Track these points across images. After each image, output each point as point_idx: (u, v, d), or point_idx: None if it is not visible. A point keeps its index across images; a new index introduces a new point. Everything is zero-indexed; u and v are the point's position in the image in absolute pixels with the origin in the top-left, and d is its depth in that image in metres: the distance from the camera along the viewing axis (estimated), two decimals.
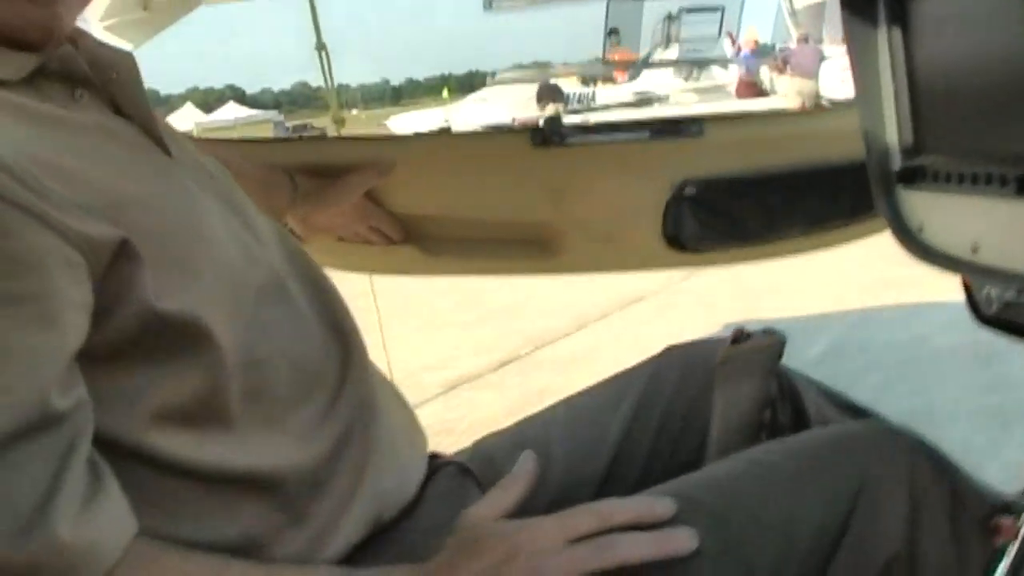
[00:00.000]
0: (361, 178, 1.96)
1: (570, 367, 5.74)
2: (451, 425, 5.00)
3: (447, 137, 2.42)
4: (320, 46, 3.76)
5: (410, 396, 4.96)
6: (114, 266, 0.94)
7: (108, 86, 1.12)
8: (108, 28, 3.60)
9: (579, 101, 24.20)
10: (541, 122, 2.01)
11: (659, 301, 7.11)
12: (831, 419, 1.43)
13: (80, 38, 1.15)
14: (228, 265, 1.09)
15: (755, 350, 1.42)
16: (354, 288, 5.21)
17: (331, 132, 3.73)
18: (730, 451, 1.32)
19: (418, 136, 2.45)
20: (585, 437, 1.48)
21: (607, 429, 1.46)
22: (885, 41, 1.21)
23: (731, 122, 2.09)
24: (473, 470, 1.39)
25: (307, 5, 3.57)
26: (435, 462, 1.40)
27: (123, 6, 3.52)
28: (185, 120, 43.81)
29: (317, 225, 1.98)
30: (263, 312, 1.12)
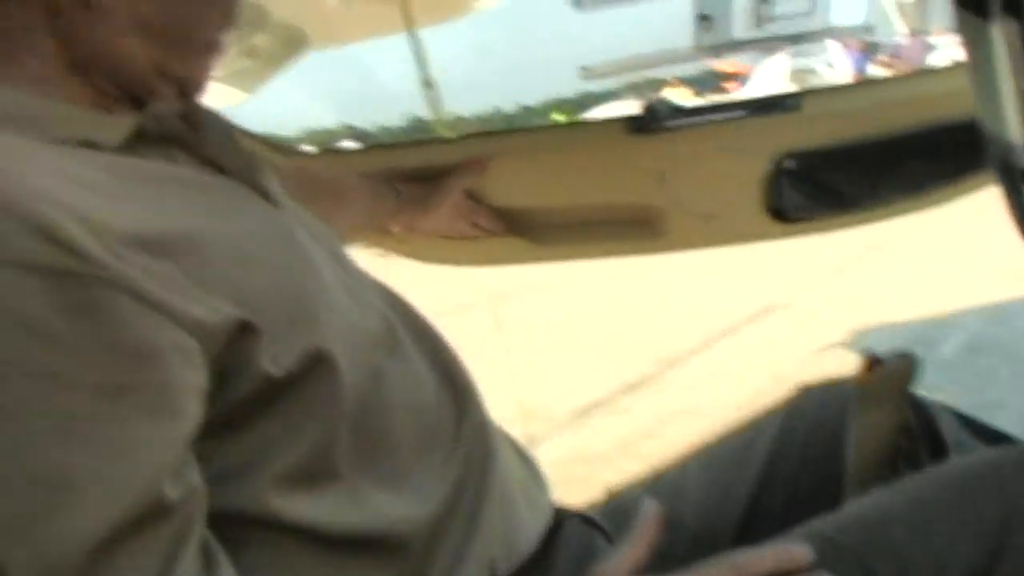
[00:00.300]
0: (459, 178, 1.98)
1: (701, 386, 5.68)
2: (588, 453, 4.97)
3: (544, 130, 2.45)
4: (426, 83, 3.78)
5: (541, 426, 4.99)
6: (230, 345, 0.94)
7: (203, 144, 1.12)
8: (216, 79, 3.68)
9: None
10: (641, 108, 2.00)
11: (788, 312, 7.01)
12: (968, 446, 1.37)
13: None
14: (342, 313, 1.08)
15: (888, 376, 1.37)
16: (478, 320, 5.24)
17: None
18: (868, 484, 1.26)
19: (514, 130, 2.47)
20: (720, 484, 1.43)
21: (742, 475, 1.42)
22: (1000, 34, 1.16)
23: (828, 94, 2.07)
24: (603, 523, 1.35)
25: (441, 31, 3.62)
26: (561, 514, 1.36)
27: (229, 56, 3.60)
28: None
29: (421, 228, 2.02)
30: (378, 360, 1.11)
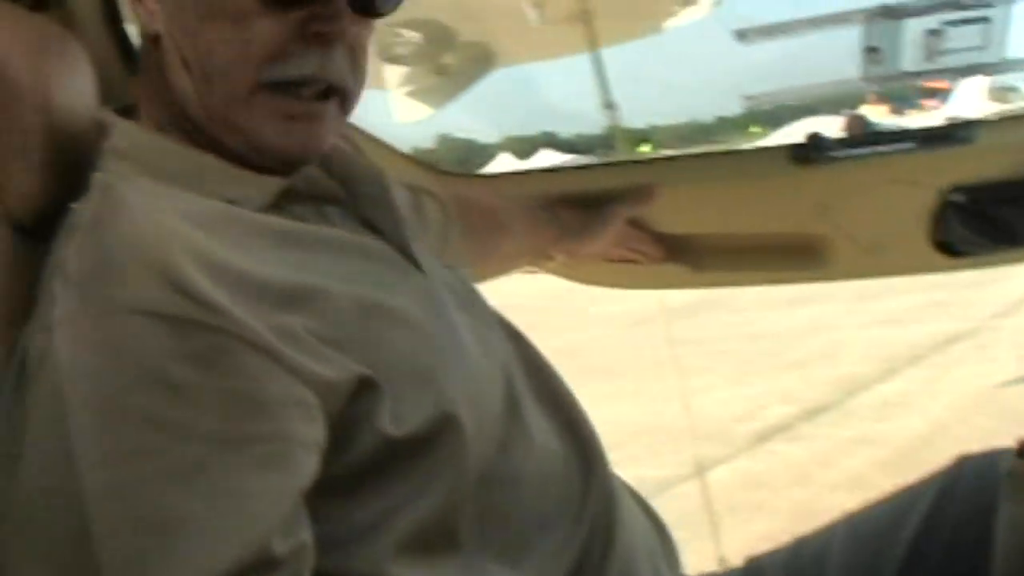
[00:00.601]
0: (623, 207, 1.94)
1: (883, 414, 5.54)
2: (761, 478, 4.91)
3: (706, 157, 2.41)
4: (608, 104, 3.81)
5: (718, 448, 4.96)
6: (351, 402, 0.93)
7: (359, 202, 1.12)
8: (407, 94, 3.77)
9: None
10: (803, 137, 1.93)
11: (974, 341, 6.79)
12: None
13: (335, 153, 1.16)
14: (474, 381, 1.05)
15: None
16: (651, 339, 5.21)
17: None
18: None
19: (678, 158, 2.44)
20: (866, 558, 1.36)
21: (891, 550, 1.34)
22: None
23: (1003, 125, 1.97)
24: None
25: (618, 53, 3.66)
26: None
27: (419, 73, 3.68)
28: (502, 168, 44.60)
29: (581, 254, 1.99)
30: (504, 429, 1.08)
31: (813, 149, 1.89)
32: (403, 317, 1.01)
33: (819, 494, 4.46)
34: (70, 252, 0.90)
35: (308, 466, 0.90)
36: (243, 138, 1.06)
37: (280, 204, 1.04)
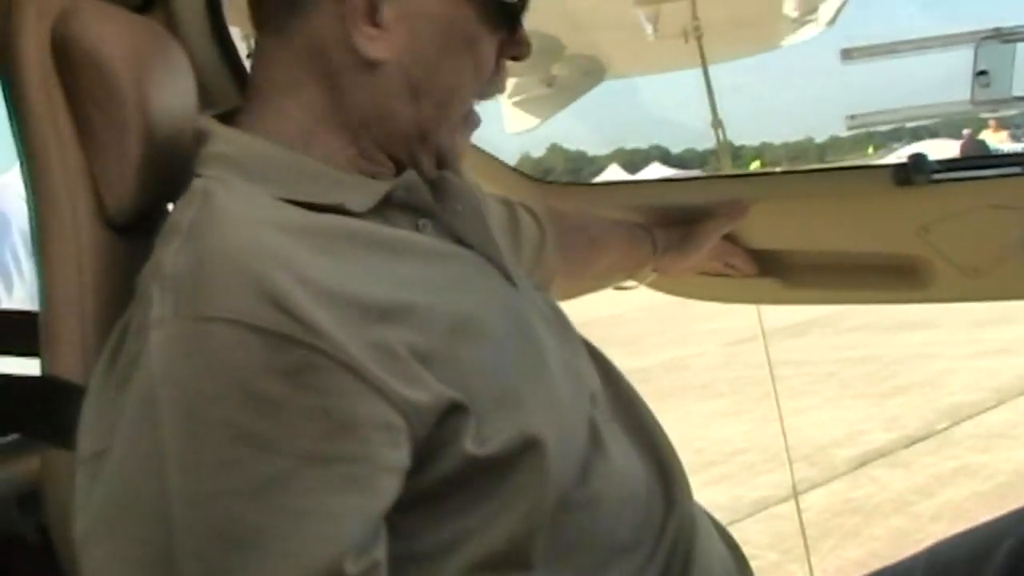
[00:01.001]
0: (717, 224, 1.93)
1: (989, 445, 5.43)
2: (858, 504, 4.84)
3: (805, 174, 2.39)
4: (716, 123, 3.80)
5: (817, 472, 4.91)
6: (439, 425, 0.93)
7: (452, 216, 1.12)
8: (516, 104, 3.80)
9: None
10: (906, 158, 1.90)
11: None
12: None
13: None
14: (559, 404, 1.05)
15: None
16: (750, 358, 5.16)
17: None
18: None
19: (775, 174, 2.42)
20: None
21: None
22: None
23: None
24: None
25: (728, 68, 3.64)
26: None
27: (529, 84, 3.70)
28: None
29: (675, 270, 1.98)
30: (586, 454, 1.07)
31: (914, 170, 1.86)
32: (492, 333, 1.02)
33: (917, 523, 4.38)
34: (168, 256, 0.91)
35: (390, 490, 0.90)
36: (429, 155, 1.11)
37: (381, 211, 1.05)
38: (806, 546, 3.17)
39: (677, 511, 1.14)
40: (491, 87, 1.15)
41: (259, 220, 0.94)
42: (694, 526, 1.16)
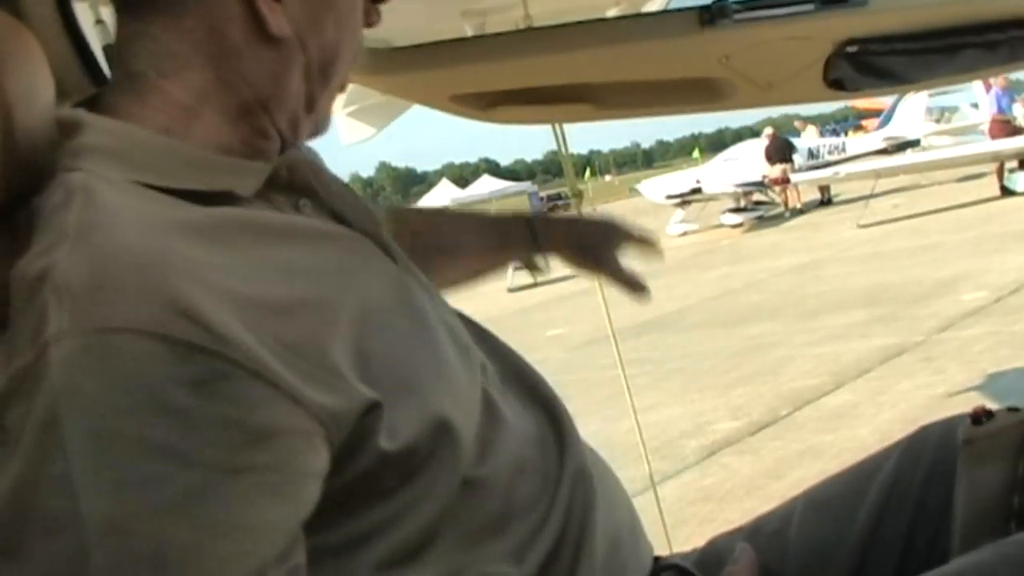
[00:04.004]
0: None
1: (831, 427, 5.59)
2: (711, 491, 4.94)
3: (618, 21, 2.65)
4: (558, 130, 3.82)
5: (667, 464, 4.96)
6: (355, 426, 0.91)
7: (329, 196, 1.10)
8: (350, 115, 3.76)
9: (829, 152, 23.74)
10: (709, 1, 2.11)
11: (919, 354, 6.86)
12: None
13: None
14: (455, 382, 1.05)
15: (998, 431, 1.32)
16: (603, 358, 5.20)
17: (573, 202, 3.80)
18: (977, 542, 1.23)
19: (592, 22, 2.60)
20: (827, 532, 1.36)
21: (852, 522, 1.35)
22: None
23: None
24: (696, 572, 1.33)
25: None
26: (659, 564, 1.33)
27: (362, 93, 3.67)
28: (442, 196, 44.53)
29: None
30: (483, 428, 1.07)
31: (718, 12, 2.05)
32: (390, 320, 1.01)
33: (770, 505, 4.46)
34: (58, 262, 0.85)
35: (308, 496, 0.89)
36: (312, 123, 1.11)
37: (265, 193, 1.03)
38: (666, 535, 3.21)
39: (572, 459, 1.16)
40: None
41: (152, 221, 0.90)
42: (590, 472, 1.17)
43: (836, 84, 2.22)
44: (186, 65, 1.00)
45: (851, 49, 2.14)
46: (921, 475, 1.35)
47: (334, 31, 1.08)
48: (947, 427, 1.37)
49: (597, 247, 1.73)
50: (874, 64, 2.18)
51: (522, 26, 3.10)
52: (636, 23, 2.40)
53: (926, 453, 1.37)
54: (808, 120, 26.52)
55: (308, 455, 0.87)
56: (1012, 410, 1.33)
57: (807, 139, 24.56)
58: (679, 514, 4.50)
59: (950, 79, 2.41)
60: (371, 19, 1.16)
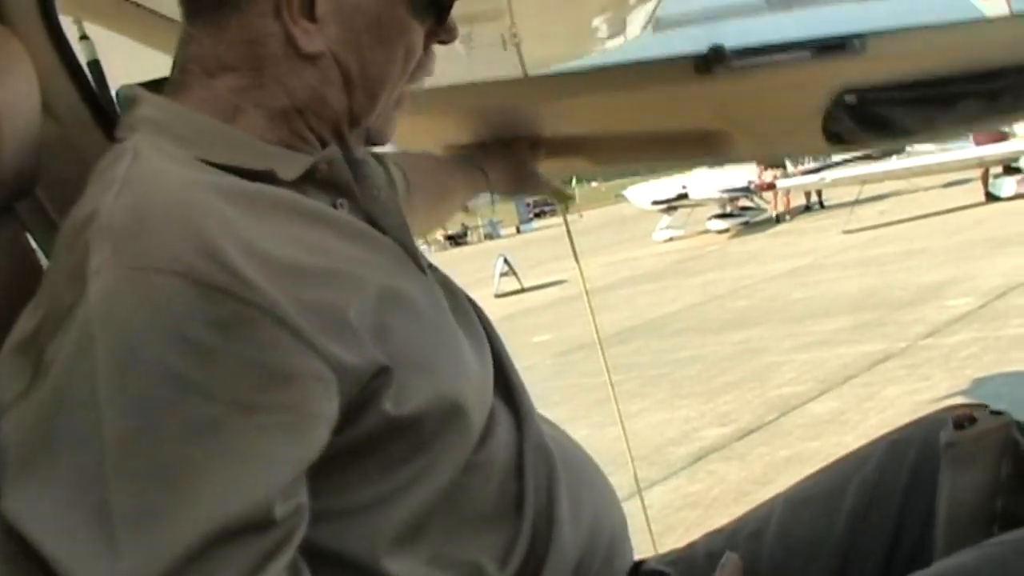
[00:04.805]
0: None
1: (817, 433, 5.60)
2: (698, 498, 4.94)
3: (614, 69, 2.57)
4: None
5: (655, 471, 4.94)
6: (364, 387, 0.96)
7: (369, 201, 1.14)
8: None
9: (815, 158, 23.77)
10: (705, 49, 2.04)
11: (905, 360, 6.88)
12: None
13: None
14: (471, 376, 1.10)
15: (980, 435, 1.32)
16: (589, 364, 5.20)
17: (559, 209, 3.82)
18: (961, 545, 1.23)
19: (586, 70, 2.56)
20: (807, 532, 1.36)
21: (833, 523, 1.35)
22: None
23: (894, 36, 2.08)
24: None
25: None
26: (641, 569, 1.34)
27: None
28: None
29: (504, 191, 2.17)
30: (486, 423, 1.12)
31: (714, 60, 2.00)
32: (414, 306, 1.05)
33: None
34: (104, 205, 0.91)
35: (318, 439, 0.93)
36: (358, 136, 1.15)
37: (302, 185, 1.06)
38: (653, 542, 3.21)
39: (531, 438, 1.19)
40: (420, 71, 1.18)
41: (194, 181, 0.96)
42: (550, 460, 1.19)
43: (835, 137, 2.18)
44: (229, 69, 1.07)
45: (849, 99, 2.09)
46: (904, 477, 1.35)
47: (375, 50, 1.11)
48: (929, 428, 1.37)
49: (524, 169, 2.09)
50: (873, 115, 2.13)
51: (508, 37, 3.09)
52: (631, 71, 2.32)
53: (908, 455, 1.37)
54: None
55: (322, 400, 0.92)
56: (995, 413, 1.33)
57: None
58: (666, 520, 4.51)
59: (951, 131, 2.41)
60: (428, 62, 1.18)
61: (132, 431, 0.84)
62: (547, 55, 3.76)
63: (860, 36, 2.00)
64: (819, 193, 21.95)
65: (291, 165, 1.05)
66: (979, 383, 5.74)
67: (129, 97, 1.08)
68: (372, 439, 0.98)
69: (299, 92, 1.08)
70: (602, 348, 3.51)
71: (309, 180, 1.07)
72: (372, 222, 1.12)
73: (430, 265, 1.21)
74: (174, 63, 1.11)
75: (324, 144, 1.11)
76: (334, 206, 1.09)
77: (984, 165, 17.12)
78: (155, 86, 1.11)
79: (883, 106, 2.10)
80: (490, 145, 2.09)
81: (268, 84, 1.07)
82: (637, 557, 1.34)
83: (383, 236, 1.12)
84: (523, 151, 2.10)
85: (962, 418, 1.34)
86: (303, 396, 0.90)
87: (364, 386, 0.95)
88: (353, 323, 0.95)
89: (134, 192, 0.93)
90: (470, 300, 1.28)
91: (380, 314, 0.99)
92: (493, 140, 2.11)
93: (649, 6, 3.73)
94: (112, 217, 0.90)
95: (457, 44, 3.45)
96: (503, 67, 3.61)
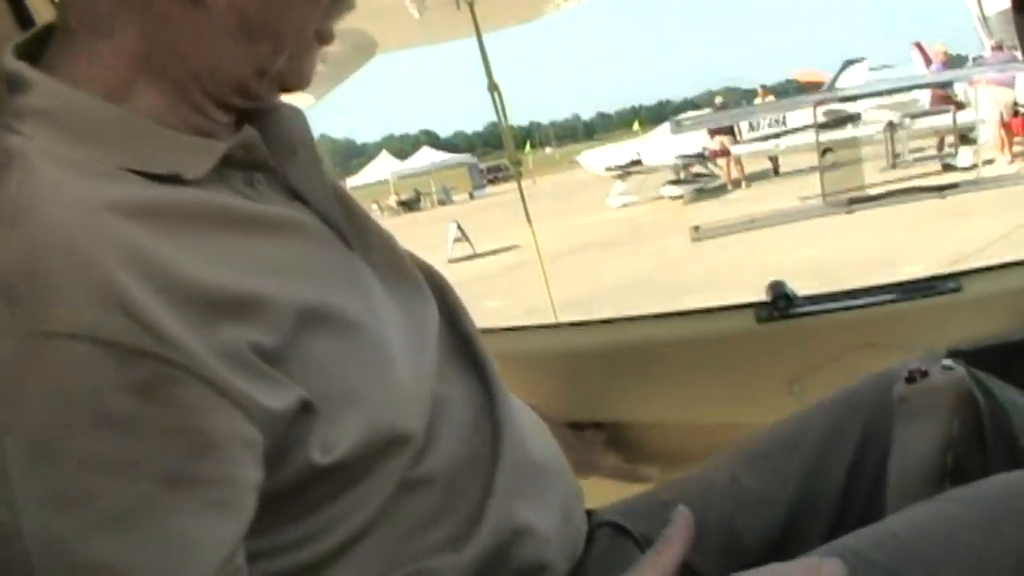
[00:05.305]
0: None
1: None
2: None
3: (673, 317, 2.11)
4: (492, 87, 3.78)
5: None
6: (287, 430, 0.89)
7: (290, 167, 1.06)
8: None
9: (770, 125, 23.83)
10: (766, 294, 1.80)
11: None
12: None
13: (272, 111, 1.09)
14: (402, 390, 1.01)
15: (932, 389, 1.31)
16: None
17: (512, 170, 3.80)
18: (912, 499, 1.23)
19: (646, 317, 2.06)
20: (761, 486, 1.36)
21: (786, 476, 1.35)
22: None
23: (994, 273, 1.78)
24: (631, 527, 1.32)
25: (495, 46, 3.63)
26: (593, 519, 1.32)
27: None
28: (382, 168, 44.45)
29: None
30: (425, 434, 1.03)
31: (776, 307, 1.79)
32: (338, 319, 0.97)
33: None
34: None
35: (250, 508, 0.86)
36: (269, 86, 1.03)
37: (219, 169, 0.97)
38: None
39: (508, 457, 1.13)
40: (340, 4, 1.06)
41: (94, 202, 0.85)
42: (529, 470, 1.15)
43: None
44: (116, 27, 0.95)
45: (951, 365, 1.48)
46: (856, 433, 1.35)
47: None
48: (883, 384, 1.36)
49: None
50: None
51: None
52: (690, 321, 2.01)
53: (862, 410, 1.36)
54: (742, 93, 26.56)
55: (250, 468, 0.85)
56: (947, 368, 1.33)
57: (766, 110, 24.67)
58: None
59: None
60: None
61: (53, 529, 0.77)
62: (496, 17, 3.74)
63: (955, 276, 1.74)
64: (775, 160, 21.99)
65: (200, 158, 0.96)
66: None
67: (12, 76, 0.94)
68: (296, 484, 0.91)
69: (194, 52, 0.97)
70: (555, 315, 3.51)
71: (223, 163, 0.97)
72: (293, 192, 1.05)
73: (371, 231, 1.13)
74: (58, 14, 0.99)
75: (230, 109, 1.02)
76: (251, 183, 1.01)
77: (939, 135, 17.20)
78: (39, 42, 0.98)
79: (996, 372, 1.42)
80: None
81: (158, 46, 0.95)
82: (589, 506, 1.32)
83: (304, 214, 1.04)
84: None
85: (914, 372, 1.33)
86: (232, 466, 0.84)
87: (287, 430, 0.88)
88: (273, 358, 0.88)
89: (26, 230, 0.81)
90: (424, 266, 1.21)
91: (300, 340, 0.91)
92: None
93: None
94: (3, 267, 0.80)
95: (409, 5, 3.41)
96: (453, 30, 3.59)
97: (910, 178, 16.13)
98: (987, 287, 1.74)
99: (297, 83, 1.06)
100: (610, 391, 1.84)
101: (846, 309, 1.75)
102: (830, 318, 1.75)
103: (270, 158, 1.04)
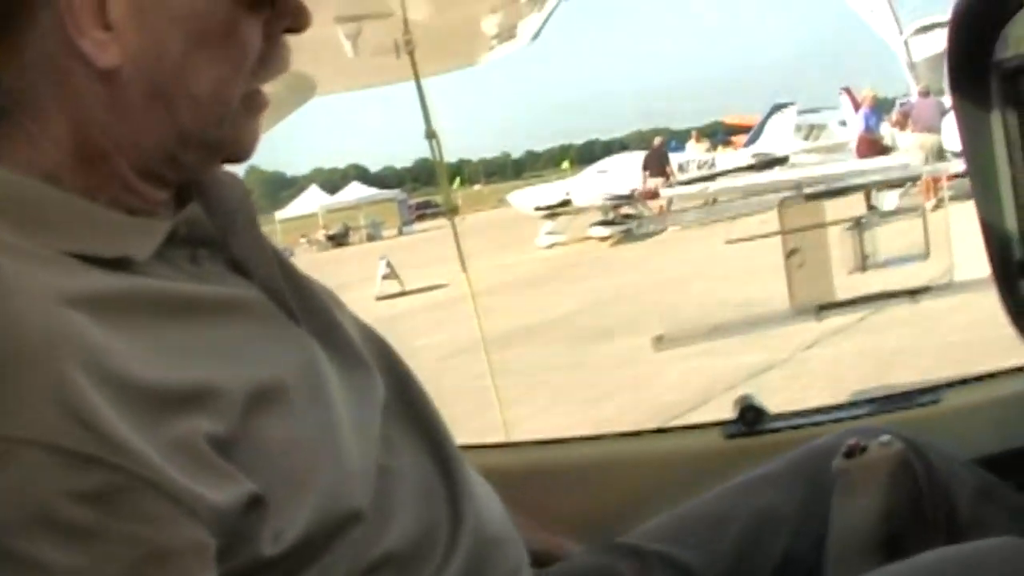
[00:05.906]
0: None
1: None
2: None
3: (637, 436, 2.07)
4: (430, 134, 3.79)
5: None
6: (236, 524, 0.87)
7: (228, 239, 1.04)
8: None
9: (699, 167, 24.11)
10: (733, 409, 1.77)
11: (786, 370, 6.98)
12: (989, 523, 1.29)
13: (214, 182, 1.08)
14: (349, 469, 1.00)
15: (870, 463, 1.33)
16: (473, 369, 5.16)
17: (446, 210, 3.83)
18: (850, 571, 1.24)
19: (606, 437, 2.07)
20: (693, 555, 1.35)
21: (720, 546, 1.35)
22: (1000, 124, 1.13)
23: (970, 386, 1.75)
24: None
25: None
26: None
27: None
28: (311, 202, 44.39)
29: None
30: (373, 510, 1.02)
31: (744, 421, 1.77)
32: (286, 400, 0.96)
33: None
34: None
35: None
36: (200, 155, 1.01)
37: (161, 250, 0.96)
38: None
39: (468, 524, 1.13)
40: (270, 67, 1.03)
41: (46, 294, 0.84)
42: (492, 545, 1.15)
43: None
44: (40, 109, 0.94)
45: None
46: (796, 503, 1.36)
47: (192, 53, 0.96)
48: (822, 455, 1.38)
49: None
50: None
51: (400, 37, 3.00)
52: (657, 438, 2.03)
53: (800, 481, 1.38)
54: (671, 134, 26.97)
55: (201, 572, 0.84)
56: (885, 444, 1.35)
57: (697, 153, 25.07)
58: None
59: None
60: (278, 56, 1.04)
61: None
62: (430, 63, 3.74)
63: (934, 388, 1.72)
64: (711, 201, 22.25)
65: (143, 240, 0.95)
66: (858, 394, 5.84)
67: None
68: (245, 573, 0.90)
69: (116, 126, 0.95)
70: (487, 354, 3.50)
71: (166, 242, 0.96)
72: (237, 266, 1.04)
73: (313, 297, 1.13)
74: None
75: (165, 183, 1.00)
76: (195, 260, 1.00)
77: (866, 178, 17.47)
78: None
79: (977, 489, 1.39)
80: None
81: (81, 124, 0.94)
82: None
83: (248, 290, 1.03)
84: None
85: (853, 447, 1.35)
86: (184, 573, 0.83)
87: (237, 526, 0.87)
88: (225, 446, 0.87)
89: None
90: (366, 329, 1.21)
91: (250, 424, 0.90)
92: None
93: (540, 17, 3.74)
94: None
95: (347, 49, 3.38)
96: (390, 74, 3.58)
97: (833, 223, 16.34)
98: (966, 398, 1.71)
99: (236, 154, 1.05)
100: (571, 512, 1.78)
101: (816, 425, 1.72)
102: (802, 434, 1.70)
103: (213, 232, 1.03)
